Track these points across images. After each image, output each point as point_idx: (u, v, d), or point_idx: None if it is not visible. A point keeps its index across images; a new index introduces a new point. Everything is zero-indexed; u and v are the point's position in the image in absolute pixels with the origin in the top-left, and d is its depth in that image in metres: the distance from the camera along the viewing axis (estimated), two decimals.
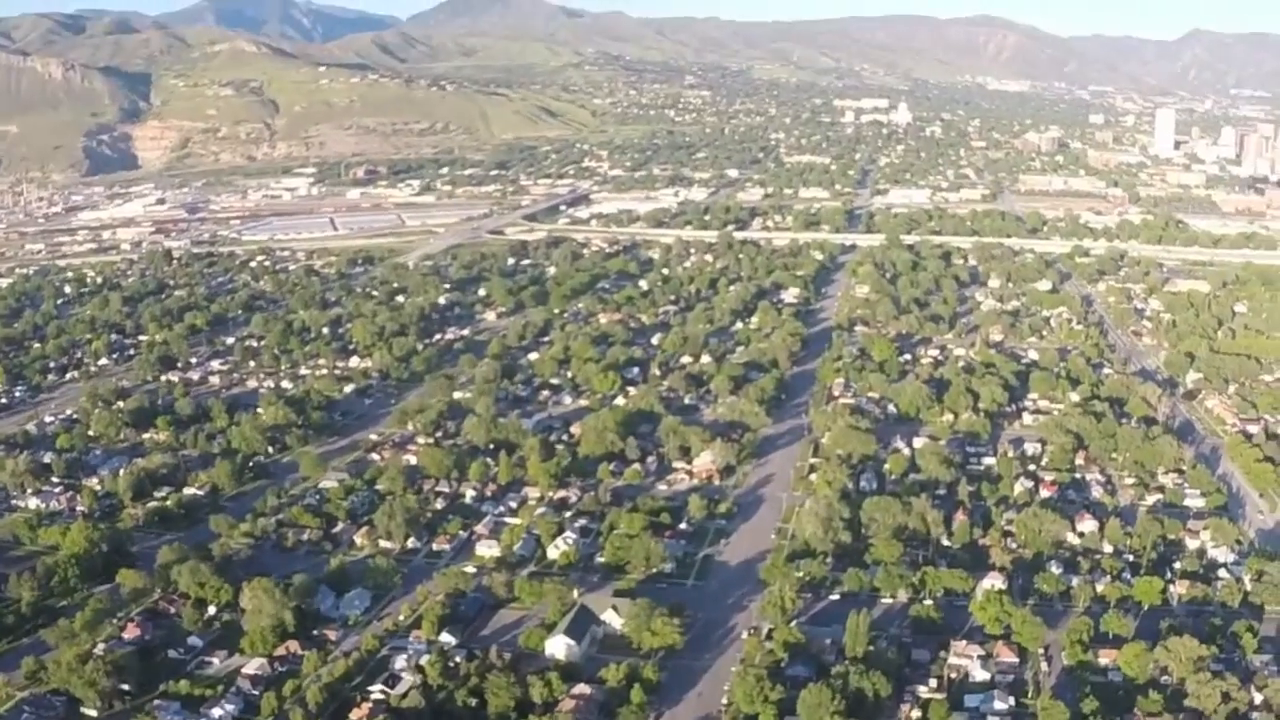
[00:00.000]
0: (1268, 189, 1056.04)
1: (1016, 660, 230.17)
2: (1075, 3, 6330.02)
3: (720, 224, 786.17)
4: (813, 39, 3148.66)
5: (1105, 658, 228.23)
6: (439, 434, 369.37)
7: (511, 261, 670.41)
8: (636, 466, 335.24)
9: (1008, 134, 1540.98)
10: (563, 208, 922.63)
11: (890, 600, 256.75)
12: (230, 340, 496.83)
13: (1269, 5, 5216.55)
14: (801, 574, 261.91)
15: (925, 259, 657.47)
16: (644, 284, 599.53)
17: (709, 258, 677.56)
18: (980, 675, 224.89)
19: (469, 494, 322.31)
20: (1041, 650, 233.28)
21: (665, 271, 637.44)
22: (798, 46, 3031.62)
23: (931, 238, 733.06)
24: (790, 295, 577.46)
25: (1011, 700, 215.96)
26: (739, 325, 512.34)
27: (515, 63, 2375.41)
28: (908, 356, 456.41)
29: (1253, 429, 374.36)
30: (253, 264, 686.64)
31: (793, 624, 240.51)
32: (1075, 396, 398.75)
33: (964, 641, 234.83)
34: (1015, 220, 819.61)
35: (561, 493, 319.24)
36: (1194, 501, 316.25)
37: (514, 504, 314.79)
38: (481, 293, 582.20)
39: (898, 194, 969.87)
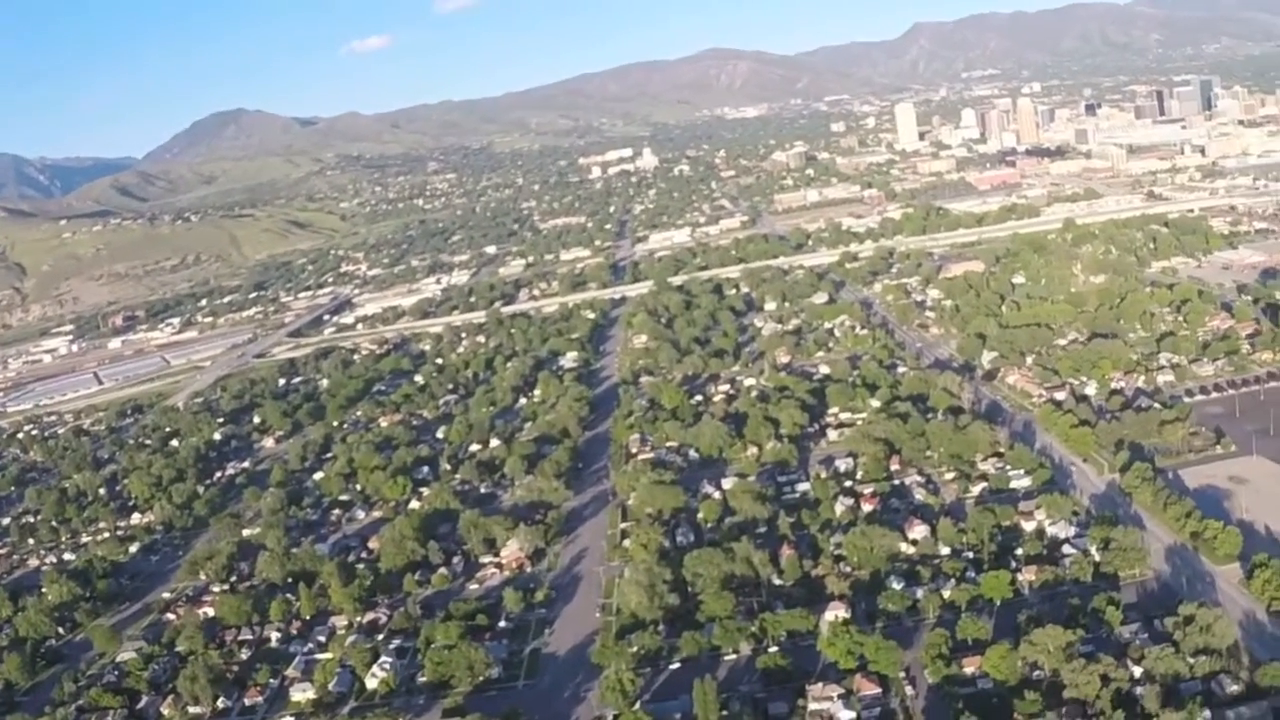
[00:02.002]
0: (1018, 159, 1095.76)
1: (879, 690, 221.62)
2: (797, 21, 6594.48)
3: (487, 302, 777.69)
4: (548, 103, 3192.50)
5: (970, 666, 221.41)
6: (233, 579, 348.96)
7: (283, 382, 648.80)
8: (443, 571, 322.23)
9: (754, 158, 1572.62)
10: (326, 317, 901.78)
11: (734, 656, 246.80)
12: (5, 521, 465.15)
13: None
14: (635, 649, 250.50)
15: (697, 296, 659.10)
16: (419, 378, 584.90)
17: (481, 339, 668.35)
18: (846, 715, 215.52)
19: (274, 637, 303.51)
20: (902, 674, 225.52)
21: (439, 361, 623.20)
22: (534, 113, 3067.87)
23: (699, 274, 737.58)
24: (569, 360, 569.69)
25: None
26: (523, 401, 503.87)
27: (257, 181, 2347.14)
28: (699, 397, 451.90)
29: (1060, 396, 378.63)
30: (20, 436, 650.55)
31: (636, 706, 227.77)
32: (876, 402, 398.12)
33: (820, 684, 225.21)
34: (779, 240, 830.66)
35: (370, 615, 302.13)
36: (1020, 482, 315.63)
37: (323, 638, 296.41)
38: (256, 420, 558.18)
39: (658, 238, 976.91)
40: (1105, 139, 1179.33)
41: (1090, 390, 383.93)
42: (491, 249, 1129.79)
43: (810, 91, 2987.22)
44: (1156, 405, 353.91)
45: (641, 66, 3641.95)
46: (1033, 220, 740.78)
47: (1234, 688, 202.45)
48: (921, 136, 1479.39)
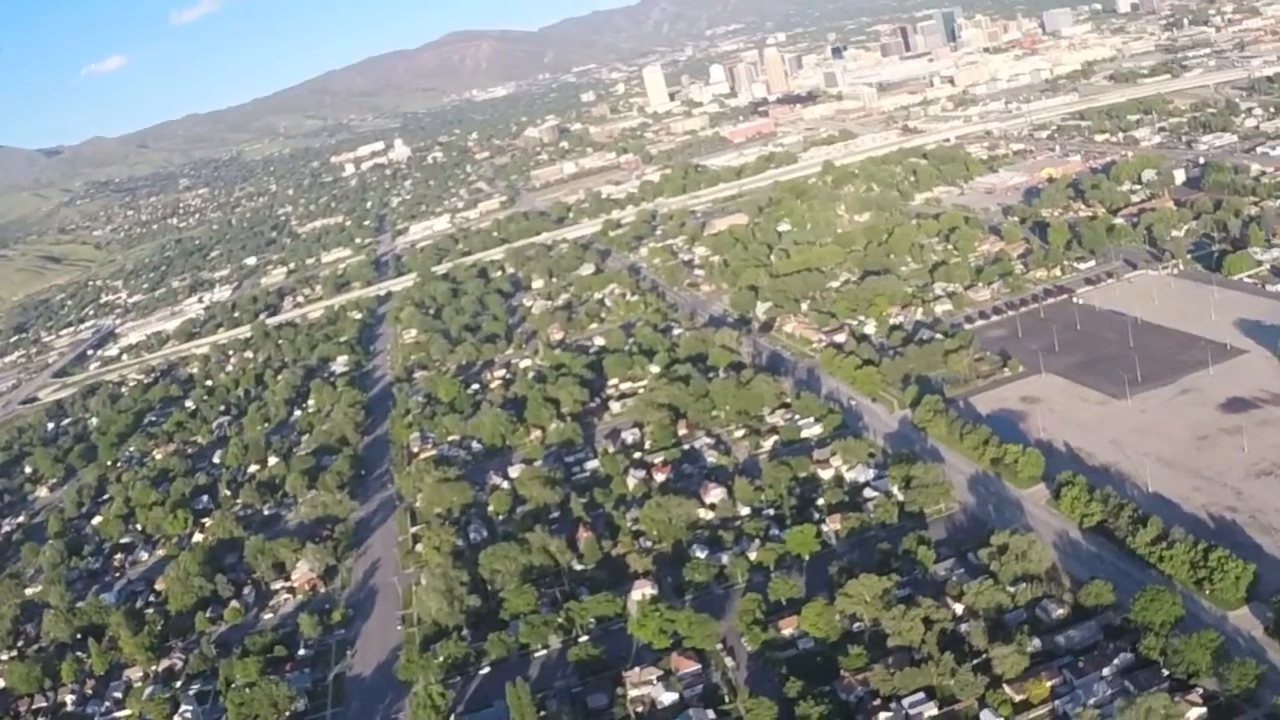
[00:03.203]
0: (770, 109, 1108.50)
1: (699, 666, 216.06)
2: None
3: (251, 316, 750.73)
4: (295, 105, 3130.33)
5: (788, 627, 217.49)
6: (19, 644, 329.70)
7: (52, 426, 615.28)
8: (235, 604, 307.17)
9: (507, 137, 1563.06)
10: (90, 352, 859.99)
11: (544, 652, 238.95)
12: None
13: None
14: (441, 659, 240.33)
15: (463, 283, 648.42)
16: (190, 403, 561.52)
17: (249, 354, 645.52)
18: (668, 698, 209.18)
19: (69, 700, 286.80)
20: (720, 646, 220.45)
21: (209, 383, 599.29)
22: (282, 117, 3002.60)
23: (463, 260, 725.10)
24: (340, 365, 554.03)
25: (711, 714, 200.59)
26: (297, 413, 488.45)
27: (6, 220, 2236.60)
28: (476, 386, 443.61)
29: (840, 338, 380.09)
30: None
31: None
32: (655, 368, 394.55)
33: (636, 668, 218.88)
34: (540, 216, 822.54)
35: (164, 662, 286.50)
36: (812, 431, 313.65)
37: (119, 694, 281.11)
38: (28, 470, 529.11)
39: (418, 228, 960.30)
40: (854, 80, 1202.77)
41: (870, 329, 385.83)
42: (252, 260, 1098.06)
43: (557, 65, 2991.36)
44: (938, 336, 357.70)
45: (386, 57, 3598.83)
46: (791, 167, 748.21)
47: (1059, 611, 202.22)
48: (672, 97, 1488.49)
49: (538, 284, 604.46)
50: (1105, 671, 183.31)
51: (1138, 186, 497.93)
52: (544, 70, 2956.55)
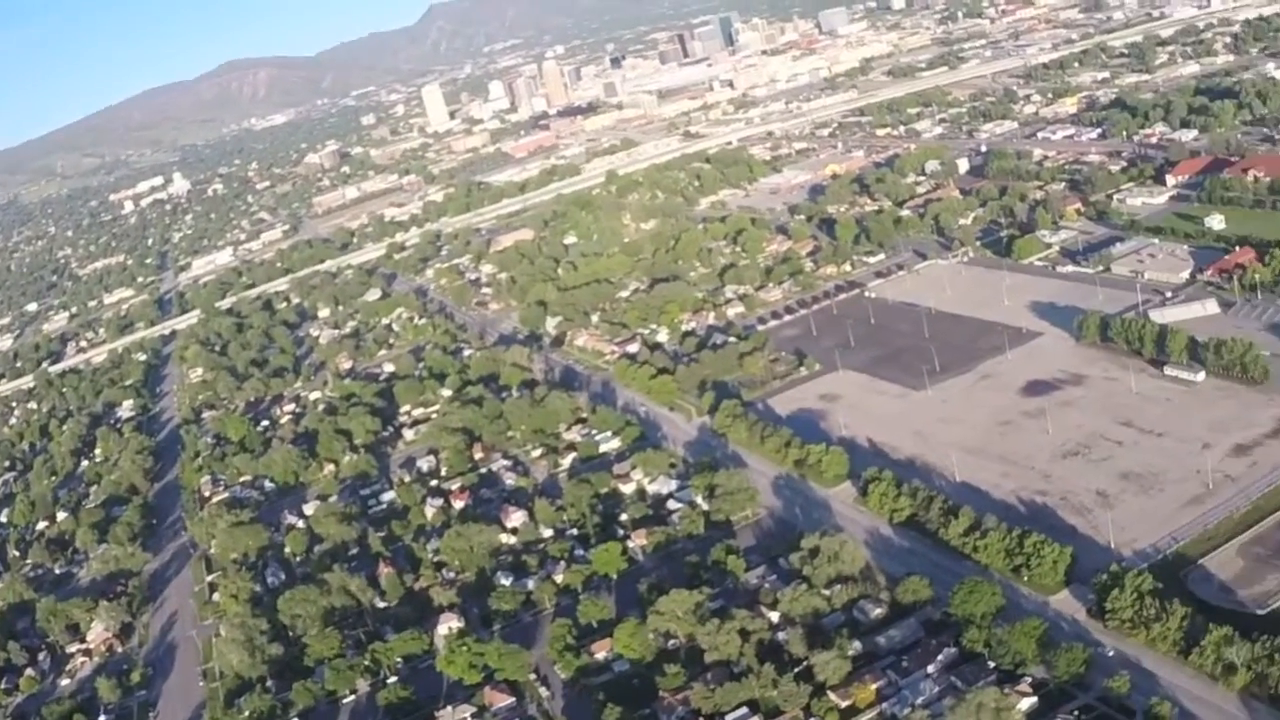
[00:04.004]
0: (551, 122, 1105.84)
1: (513, 699, 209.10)
2: (311, 21, 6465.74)
3: (34, 364, 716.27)
4: (73, 144, 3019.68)
5: (601, 651, 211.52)
6: None
7: None
8: (30, 672, 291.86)
9: (288, 165, 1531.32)
10: None
11: (352, 698, 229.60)
12: None
13: None
14: (246, 714, 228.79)
15: (248, 316, 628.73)
16: None
17: (33, 405, 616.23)
18: None
19: None
20: (533, 676, 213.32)
21: None
22: (59, 157, 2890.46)
23: (247, 293, 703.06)
24: (127, 409, 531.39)
25: None
26: (85, 464, 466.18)
27: None
28: (266, 423, 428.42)
29: (633, 349, 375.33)
30: None
31: None
32: (447, 391, 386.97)
33: (449, 707, 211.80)
34: (324, 243, 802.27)
35: None
36: (610, 445, 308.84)
37: None
38: None
39: (201, 263, 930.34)
40: (634, 88, 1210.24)
41: (662, 337, 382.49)
42: (32, 306, 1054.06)
43: (336, 89, 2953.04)
44: (732, 339, 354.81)
45: (163, 90, 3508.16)
46: (575, 179, 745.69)
47: (877, 611, 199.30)
48: (453, 116, 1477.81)
49: (324, 313, 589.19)
50: (930, 669, 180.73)
51: (922, 178, 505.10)
52: (323, 95, 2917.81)
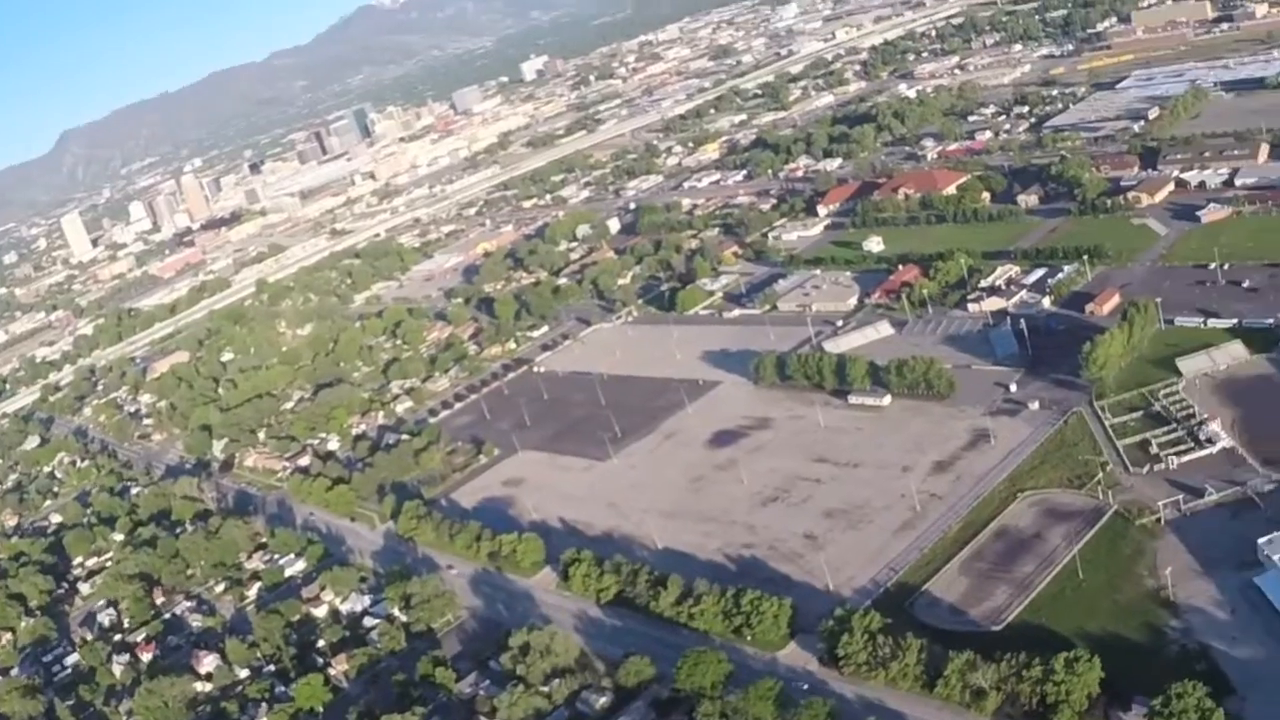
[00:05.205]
0: (195, 237, 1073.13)
1: None
2: None
3: None
4: None
5: None
6: None
7: None
8: None
9: None
10: None
11: None
12: None
13: (115, 81, 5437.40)
14: None
15: None
16: None
17: None
18: None
19: None
20: None
21: None
22: None
23: None
24: None
25: None
26: None
27: None
28: None
29: (304, 461, 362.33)
30: None
31: None
32: (118, 536, 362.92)
33: None
34: None
35: None
36: (295, 568, 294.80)
37: None
38: None
39: None
40: (276, 192, 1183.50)
41: (334, 444, 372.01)
42: None
43: None
44: (404, 436, 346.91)
45: None
46: (226, 293, 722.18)
47: (603, 700, 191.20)
48: (95, 243, 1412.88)
49: None
50: None
51: (575, 243, 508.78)
52: None
